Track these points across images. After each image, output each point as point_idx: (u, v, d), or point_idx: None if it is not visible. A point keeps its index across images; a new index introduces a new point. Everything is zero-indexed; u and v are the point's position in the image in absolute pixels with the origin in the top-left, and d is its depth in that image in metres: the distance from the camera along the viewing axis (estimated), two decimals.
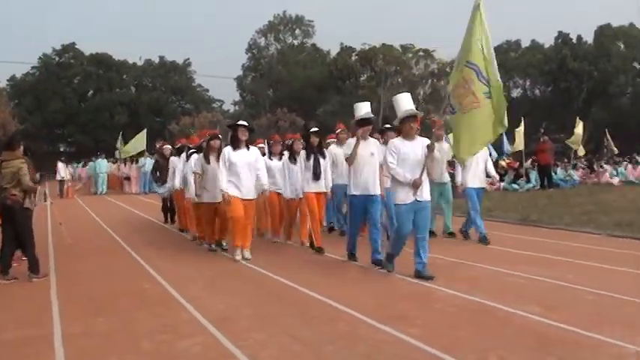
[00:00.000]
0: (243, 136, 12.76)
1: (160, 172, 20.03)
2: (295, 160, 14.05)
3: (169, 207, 20.35)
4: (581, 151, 37.55)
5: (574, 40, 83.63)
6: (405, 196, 10.41)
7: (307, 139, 13.86)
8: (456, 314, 8.06)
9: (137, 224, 20.63)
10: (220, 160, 12.68)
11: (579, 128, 34.17)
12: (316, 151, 13.66)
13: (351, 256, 12.19)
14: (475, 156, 13.38)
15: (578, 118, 35.76)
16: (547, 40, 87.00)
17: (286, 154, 14.57)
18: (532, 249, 12.93)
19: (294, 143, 14.43)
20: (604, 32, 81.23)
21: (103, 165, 40.25)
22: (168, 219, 20.57)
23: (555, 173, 33.03)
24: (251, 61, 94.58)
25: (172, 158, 17.63)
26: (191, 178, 14.67)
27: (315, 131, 14.06)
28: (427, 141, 10.66)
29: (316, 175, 13.49)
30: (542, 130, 39.55)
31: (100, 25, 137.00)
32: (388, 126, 14.28)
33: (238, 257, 12.49)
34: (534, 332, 7.20)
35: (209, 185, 13.81)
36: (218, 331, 7.47)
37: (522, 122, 31.07)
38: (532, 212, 19.11)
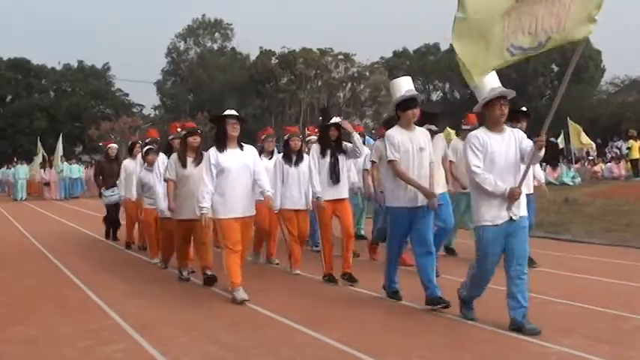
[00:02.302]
0: (235, 131, 9.45)
1: (104, 175, 16.70)
2: (291, 160, 11.37)
3: (114, 219, 16.97)
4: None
5: None
6: (494, 215, 7.31)
7: (324, 131, 10.70)
8: (380, 317, 8.13)
9: (58, 230, 20.22)
10: (204, 165, 9.48)
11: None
12: (336, 146, 10.56)
13: (393, 293, 9.01)
14: None
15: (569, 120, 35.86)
16: None
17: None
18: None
19: (290, 139, 11.56)
20: None
21: (21, 171, 39.66)
22: (111, 234, 17.09)
23: None
24: (171, 66, 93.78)
25: (126, 162, 15.06)
26: (160, 188, 11.47)
27: (335, 123, 10.55)
28: (521, 133, 7.75)
29: (335, 177, 10.39)
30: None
31: (18, 29, 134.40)
32: (469, 127, 11.29)
33: (243, 296, 9.08)
34: (457, 332, 7.34)
35: (184, 196, 10.55)
36: (141, 336, 7.41)
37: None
38: None
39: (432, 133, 9.91)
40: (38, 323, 8.18)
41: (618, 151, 37.90)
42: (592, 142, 38.00)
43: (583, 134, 36.25)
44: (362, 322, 7.88)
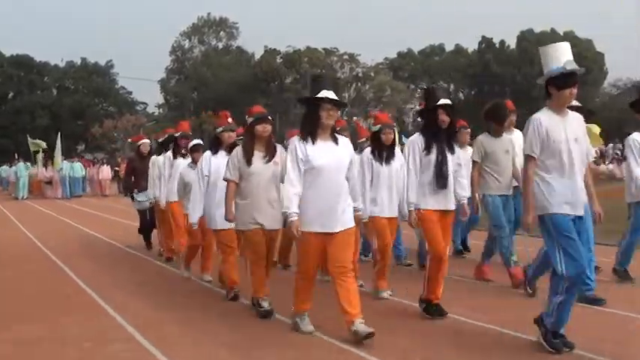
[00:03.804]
0: (331, 119, 7.18)
1: (137, 175, 14.36)
2: (382, 157, 8.98)
3: (150, 224, 14.57)
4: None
5: (497, 45, 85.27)
6: None
7: (430, 116, 8.10)
8: (383, 317, 8.01)
9: (60, 230, 20.22)
10: (289, 158, 7.20)
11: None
12: (444, 139, 7.98)
13: (556, 340, 6.42)
14: None
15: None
16: (471, 45, 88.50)
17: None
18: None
19: (382, 132, 9.01)
20: (526, 37, 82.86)
21: (23, 169, 39.49)
22: (150, 240, 14.96)
23: None
24: (175, 64, 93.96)
25: (156, 158, 13.05)
26: (198, 191, 9.35)
27: (444, 104, 7.92)
28: None
29: (442, 181, 7.86)
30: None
31: (21, 26, 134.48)
32: None
33: (310, 328, 7.35)
34: (457, 332, 7.31)
35: (250, 201, 8.21)
36: (144, 337, 7.36)
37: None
38: None
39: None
40: (41, 323, 8.12)
41: (620, 153, 37.88)
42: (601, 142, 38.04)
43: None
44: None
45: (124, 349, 6.97)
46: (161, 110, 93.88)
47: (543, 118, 6.46)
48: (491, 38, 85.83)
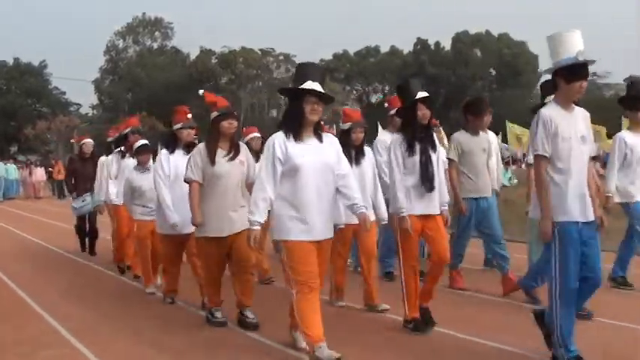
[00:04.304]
0: (315, 114, 6.30)
1: (77, 177, 13.48)
2: (351, 156, 8.05)
3: (89, 230, 13.86)
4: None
5: (432, 47, 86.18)
6: None
7: (409, 113, 7.38)
8: (326, 319, 8.06)
9: None
10: (264, 157, 6.40)
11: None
12: (425, 137, 7.39)
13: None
14: None
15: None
16: (406, 46, 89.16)
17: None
18: None
19: (353, 130, 8.45)
20: (461, 39, 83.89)
21: None
22: (87, 246, 14.05)
23: None
24: (109, 64, 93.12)
25: (105, 159, 12.15)
26: (166, 194, 8.45)
27: (425, 97, 7.33)
28: None
29: (428, 183, 7.22)
30: None
31: None
32: None
33: (331, 354, 5.99)
34: (388, 329, 7.42)
35: (213, 205, 7.57)
36: (78, 341, 7.26)
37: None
38: None
39: None
40: None
41: None
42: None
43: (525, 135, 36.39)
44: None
45: (58, 354, 6.91)
46: (95, 111, 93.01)
47: (552, 113, 5.87)
48: (427, 40, 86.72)
